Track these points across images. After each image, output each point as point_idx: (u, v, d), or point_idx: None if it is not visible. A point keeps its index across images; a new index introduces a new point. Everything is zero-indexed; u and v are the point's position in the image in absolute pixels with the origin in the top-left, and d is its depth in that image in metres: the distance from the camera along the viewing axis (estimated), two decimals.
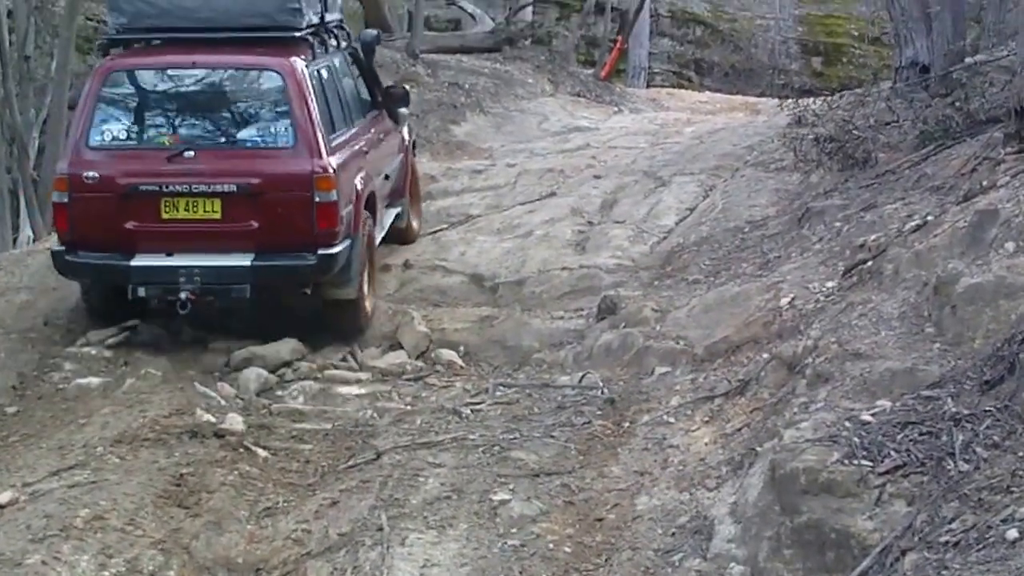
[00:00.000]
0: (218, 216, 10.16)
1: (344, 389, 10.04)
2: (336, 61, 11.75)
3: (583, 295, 11.56)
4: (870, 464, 6.21)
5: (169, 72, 10.77)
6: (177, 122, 10.62)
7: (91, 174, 10.17)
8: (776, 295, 9.64)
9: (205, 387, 9.80)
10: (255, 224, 10.19)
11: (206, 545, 7.42)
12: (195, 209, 10.16)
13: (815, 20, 36.20)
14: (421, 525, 7.26)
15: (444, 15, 33.39)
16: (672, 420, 8.44)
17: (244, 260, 10.20)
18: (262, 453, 8.59)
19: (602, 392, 9.13)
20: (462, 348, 10.87)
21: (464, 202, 15.51)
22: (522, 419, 8.80)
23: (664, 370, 9.41)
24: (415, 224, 13.61)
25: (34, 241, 19.36)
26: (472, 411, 9.09)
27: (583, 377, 9.53)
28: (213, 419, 9.00)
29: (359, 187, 10.86)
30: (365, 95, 12.65)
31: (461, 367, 10.56)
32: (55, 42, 23.51)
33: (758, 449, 7.26)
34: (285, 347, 10.60)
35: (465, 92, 22.40)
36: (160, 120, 10.70)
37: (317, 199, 10.15)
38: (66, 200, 10.28)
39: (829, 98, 15.45)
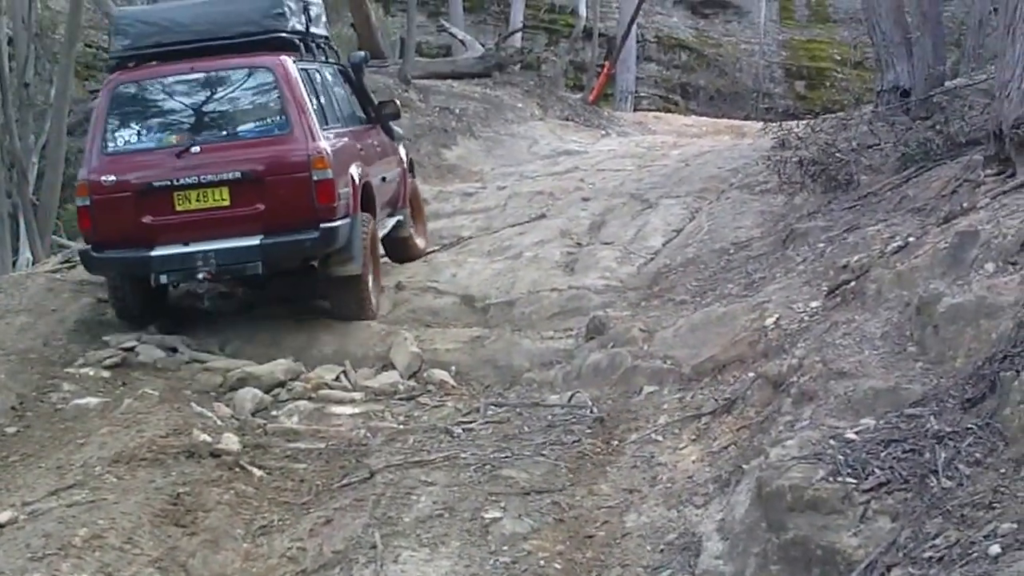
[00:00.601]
0: (227, 203, 11.02)
1: (338, 408, 10.12)
2: (324, 69, 12.58)
3: (572, 315, 11.60)
4: (855, 481, 6.22)
5: (171, 79, 11.55)
6: (182, 123, 11.45)
7: (108, 178, 11.07)
8: (761, 315, 9.65)
9: (201, 407, 9.86)
10: (261, 207, 11.03)
11: (203, 563, 7.43)
12: (205, 199, 11.03)
13: (798, 45, 36.42)
14: (414, 543, 7.28)
15: (435, 41, 33.60)
16: (660, 438, 8.48)
17: (254, 240, 11.03)
18: (257, 472, 8.65)
19: (591, 411, 9.17)
20: (454, 368, 10.96)
21: (455, 224, 15.67)
22: (513, 438, 8.82)
23: (652, 389, 9.44)
24: (420, 242, 14.38)
25: (33, 264, 19.38)
26: (464, 430, 9.13)
27: (572, 396, 9.58)
28: (209, 439, 9.06)
29: (354, 174, 11.65)
30: (357, 107, 13.43)
31: (453, 387, 10.63)
32: (54, 69, 23.61)
33: (744, 467, 7.26)
34: (279, 367, 10.73)
35: (456, 116, 22.54)
36: (167, 123, 11.48)
37: (315, 177, 11.00)
38: (88, 203, 11.17)
39: (812, 121, 15.39)
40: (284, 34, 11.81)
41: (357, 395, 10.48)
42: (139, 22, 11.97)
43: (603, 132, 25.55)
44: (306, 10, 12.48)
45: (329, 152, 11.20)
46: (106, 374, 10.50)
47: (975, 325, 7.37)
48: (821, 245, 10.92)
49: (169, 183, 11.03)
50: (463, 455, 8.51)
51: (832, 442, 6.72)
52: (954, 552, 5.39)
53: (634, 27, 31.01)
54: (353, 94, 13.61)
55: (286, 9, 11.84)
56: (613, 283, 12.25)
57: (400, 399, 10.37)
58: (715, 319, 10.07)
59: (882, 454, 6.39)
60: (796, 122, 15.52)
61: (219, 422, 9.64)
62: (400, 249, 14.03)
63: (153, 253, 11.05)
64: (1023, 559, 5.07)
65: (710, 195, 14.91)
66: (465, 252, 14.04)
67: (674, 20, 36.64)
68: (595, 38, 31.32)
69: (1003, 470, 5.92)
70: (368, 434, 9.39)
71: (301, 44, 12.03)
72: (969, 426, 6.34)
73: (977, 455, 6.11)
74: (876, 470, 6.27)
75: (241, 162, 11.09)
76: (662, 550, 7.06)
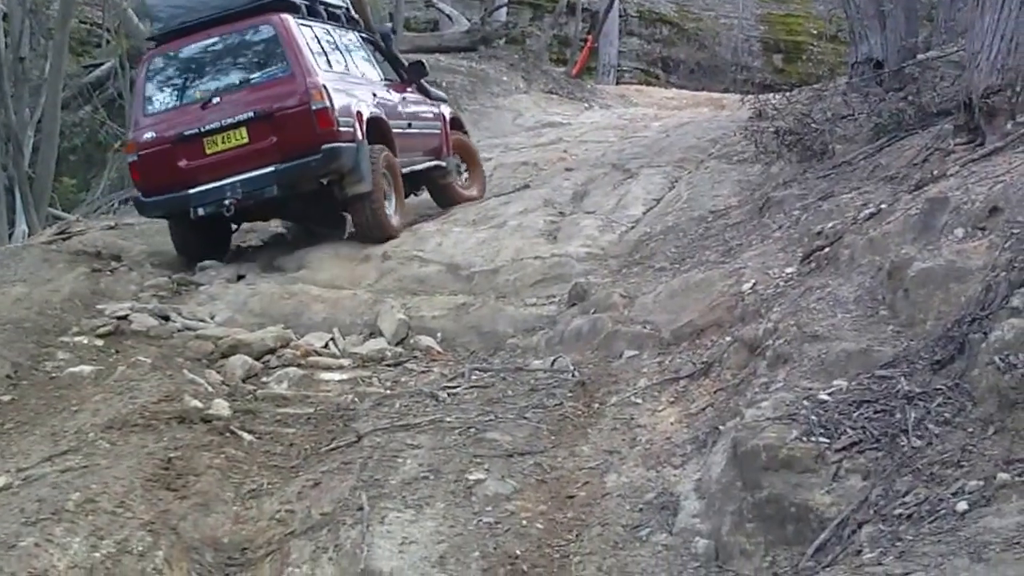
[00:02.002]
0: (246, 140, 12.76)
1: (326, 375, 10.24)
2: (336, 31, 14.28)
3: (555, 283, 11.66)
4: (827, 441, 6.37)
5: (193, 47, 13.39)
6: (204, 81, 13.28)
7: (149, 135, 13.00)
8: (738, 281, 9.74)
9: (193, 374, 9.94)
10: (274, 139, 12.69)
11: (193, 526, 7.52)
12: (228, 140, 12.79)
13: (776, 19, 36.44)
14: (400, 504, 7.38)
15: (423, 16, 33.55)
16: (639, 401, 8.59)
17: (269, 168, 12.67)
18: (247, 437, 8.75)
19: (573, 375, 9.28)
20: (439, 334, 11.07)
21: None
22: (496, 402, 8.94)
23: (632, 353, 9.54)
24: (473, 192, 16.05)
25: (29, 236, 19.44)
26: (449, 395, 9.25)
27: (555, 361, 9.68)
28: (200, 405, 9.14)
29: (359, 108, 13.30)
30: (380, 69, 15.20)
31: (438, 352, 10.75)
32: (49, 44, 23.55)
33: (721, 428, 7.38)
34: (270, 335, 10.85)
35: (443, 90, 22.58)
36: (191, 83, 13.31)
37: (313, 107, 12.63)
38: (136, 158, 13.11)
39: (788, 93, 15.40)
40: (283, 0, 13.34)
41: (345, 361, 10.59)
42: (168, 6, 13.65)
43: (586, 105, 25.55)
44: None
45: (325, 86, 12.79)
46: (100, 342, 10.58)
47: (944, 289, 7.48)
48: (796, 213, 10.98)
49: (198, 131, 12.81)
50: (448, 419, 8.62)
51: (806, 403, 6.87)
52: (923, 509, 5.54)
53: (616, 2, 31.06)
54: (384, 59, 15.62)
55: None
56: (595, 251, 12.32)
57: (387, 365, 10.49)
58: (693, 285, 10.15)
59: (854, 414, 6.55)
60: (773, 94, 15.48)
61: (210, 388, 9.72)
62: (443, 194, 15.75)
63: (191, 191, 12.78)
64: (989, 515, 5.23)
65: (689, 165, 14.95)
66: (450, 222, 14.09)
67: None
68: (578, 13, 31.33)
69: (971, 429, 6.08)
70: (356, 399, 9.48)
71: (304, 7, 13.67)
72: (938, 387, 6.50)
73: (946, 415, 6.27)
74: (848, 430, 6.43)
75: (253, 103, 12.81)
76: (641, 509, 7.17)
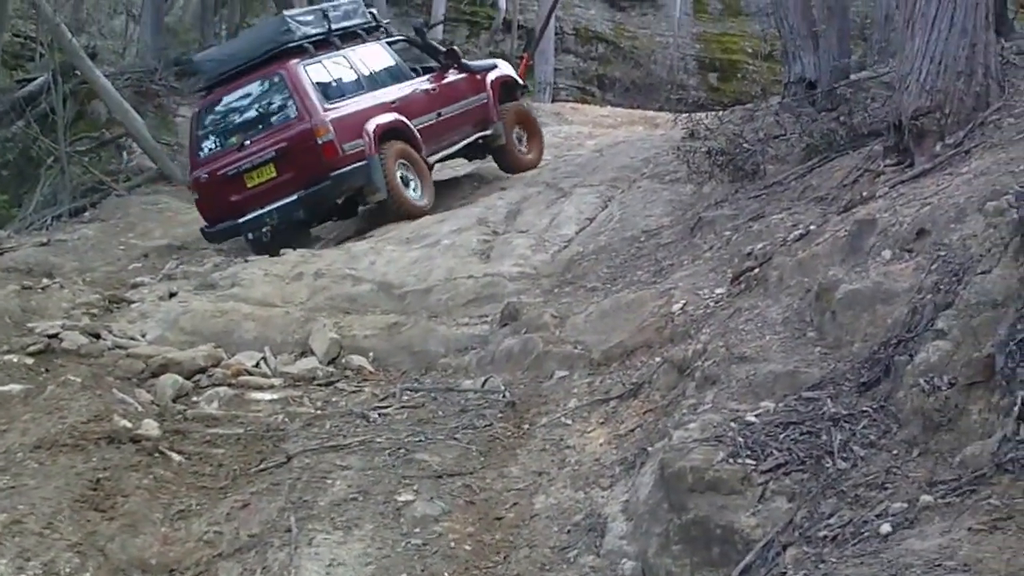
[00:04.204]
0: (274, 174, 15.04)
1: (257, 394, 10.22)
2: (350, 49, 16.24)
3: (487, 302, 11.66)
4: (753, 463, 6.39)
5: (227, 98, 15.76)
6: (238, 126, 15.61)
7: (204, 175, 15.43)
8: (669, 301, 9.77)
9: (123, 393, 9.87)
10: (295, 171, 14.90)
11: (121, 547, 7.50)
12: (262, 175, 15.09)
13: (711, 38, 36.60)
14: (328, 526, 7.39)
15: None
16: (569, 422, 8.63)
17: (295, 196, 14.95)
18: (176, 457, 8.70)
19: (503, 395, 9.31)
20: (371, 354, 11.04)
21: None
22: (427, 422, 8.95)
23: (563, 374, 9.59)
24: (531, 156, 18.23)
25: None
26: (380, 415, 9.26)
27: (486, 381, 9.72)
28: (130, 425, 9.08)
29: (371, 124, 15.29)
30: (404, 66, 17.06)
31: (370, 372, 10.73)
32: None
33: (649, 449, 7.38)
34: (200, 353, 10.81)
35: None
36: (228, 129, 15.64)
37: (319, 141, 14.87)
38: (197, 196, 15.64)
39: (721, 112, 15.50)
40: (293, 44, 15.50)
41: (276, 381, 10.57)
42: (207, 61, 16.62)
43: None
44: (325, 16, 16.19)
45: (330, 120, 14.96)
46: (29, 361, 10.48)
47: (871, 310, 7.53)
48: (727, 233, 11.03)
49: (238, 169, 15.15)
50: (378, 439, 8.62)
51: (733, 424, 6.88)
52: (847, 531, 5.58)
53: (552, 19, 31.12)
54: (421, 51, 18.05)
55: (291, 25, 15.65)
56: (527, 270, 12.31)
57: (318, 384, 10.48)
58: (624, 305, 10.18)
59: (780, 436, 6.56)
60: (705, 113, 15.55)
61: (140, 408, 9.66)
62: (503, 160, 17.97)
63: (240, 220, 15.17)
64: (912, 537, 5.25)
65: (622, 184, 14.96)
66: (384, 240, 14.06)
67: (592, 13, 36.71)
68: (514, 30, 31.47)
69: (896, 451, 6.13)
70: (286, 419, 9.48)
71: (311, 47, 15.65)
72: (864, 409, 6.56)
73: (871, 437, 6.32)
74: (774, 452, 6.44)
75: (275, 143, 15.07)
76: (569, 531, 7.20)
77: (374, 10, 18.16)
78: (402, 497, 7.70)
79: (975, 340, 6.33)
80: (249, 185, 15.17)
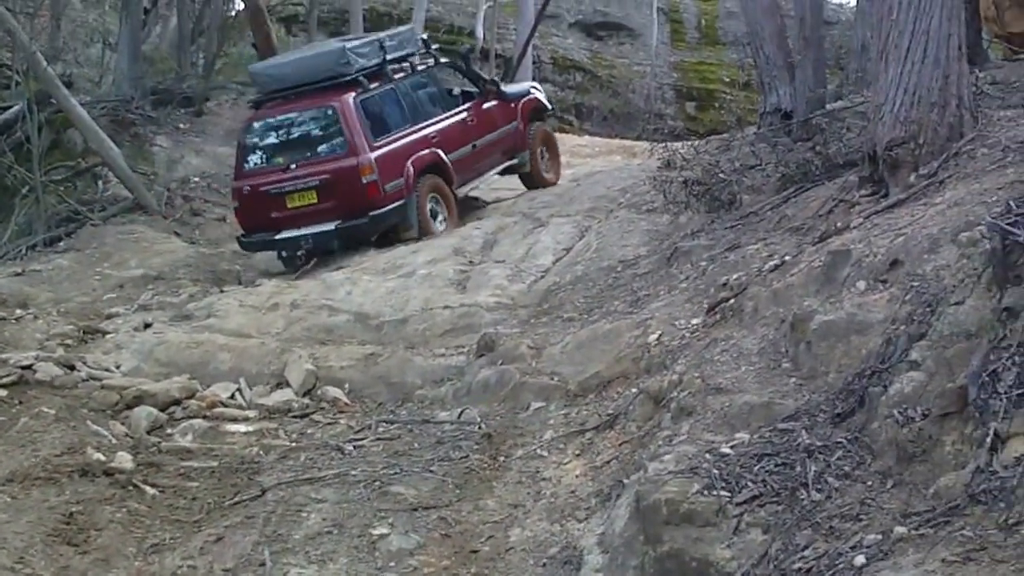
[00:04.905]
0: (315, 200, 15.63)
1: (232, 426, 10.20)
2: (401, 84, 16.80)
3: (464, 333, 11.64)
4: (728, 495, 6.37)
5: (278, 118, 16.29)
6: (285, 147, 16.14)
7: (247, 187, 15.97)
8: (645, 332, 9.78)
9: (97, 426, 9.87)
10: (336, 202, 15.50)
11: None
12: (303, 199, 15.67)
13: (689, 67, 36.64)
14: (303, 560, 7.38)
15: None
16: (545, 454, 8.64)
17: (331, 226, 15.53)
18: (150, 491, 8.68)
19: (479, 427, 9.31)
20: (347, 385, 11.03)
21: None
22: (403, 454, 8.95)
23: (539, 405, 9.58)
24: (550, 176, 19.05)
25: None
26: (355, 447, 9.26)
27: (462, 413, 9.72)
28: (103, 457, 9.08)
29: (412, 162, 15.91)
30: (444, 97, 17.71)
31: (346, 404, 10.71)
32: None
33: (625, 481, 7.39)
34: (175, 385, 10.80)
35: None
36: (276, 147, 16.19)
37: (364, 181, 15.42)
38: (237, 205, 16.21)
39: (697, 142, 15.51)
40: (350, 76, 16.03)
41: (251, 413, 10.56)
42: (263, 75, 17.09)
43: None
44: (382, 47, 16.72)
45: (374, 161, 15.48)
46: (3, 392, 10.44)
47: (846, 341, 7.54)
48: (703, 263, 11.04)
49: (280, 189, 15.72)
50: (353, 472, 8.62)
51: (708, 456, 6.86)
52: (822, 563, 5.56)
53: (530, 48, 31.15)
54: (465, 77, 18.69)
55: (350, 57, 16.13)
56: (504, 301, 12.29)
57: (294, 416, 10.47)
58: (601, 336, 10.18)
59: (755, 468, 6.55)
60: (682, 143, 15.54)
61: (114, 440, 9.65)
62: (528, 179, 18.72)
63: (277, 237, 15.79)
64: (886, 569, 5.26)
65: (599, 214, 14.96)
66: (360, 270, 14.05)
67: (569, 42, 36.75)
68: (492, 59, 31.47)
69: (870, 483, 6.13)
70: (261, 452, 9.46)
71: (366, 79, 16.12)
72: (839, 440, 6.55)
73: (846, 468, 6.31)
74: (749, 483, 6.43)
75: (320, 173, 15.64)
76: (544, 564, 7.20)
77: (425, 35, 19.24)
78: (377, 530, 7.70)
79: (949, 371, 6.35)
80: (289, 206, 15.74)
